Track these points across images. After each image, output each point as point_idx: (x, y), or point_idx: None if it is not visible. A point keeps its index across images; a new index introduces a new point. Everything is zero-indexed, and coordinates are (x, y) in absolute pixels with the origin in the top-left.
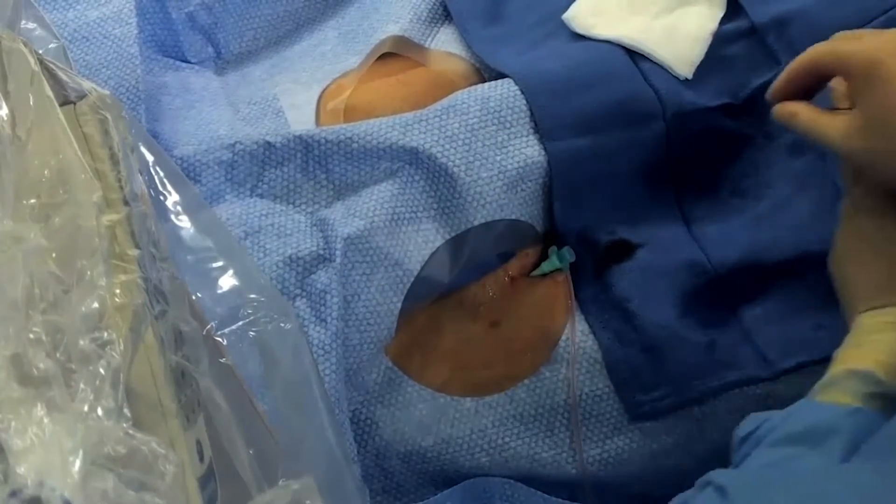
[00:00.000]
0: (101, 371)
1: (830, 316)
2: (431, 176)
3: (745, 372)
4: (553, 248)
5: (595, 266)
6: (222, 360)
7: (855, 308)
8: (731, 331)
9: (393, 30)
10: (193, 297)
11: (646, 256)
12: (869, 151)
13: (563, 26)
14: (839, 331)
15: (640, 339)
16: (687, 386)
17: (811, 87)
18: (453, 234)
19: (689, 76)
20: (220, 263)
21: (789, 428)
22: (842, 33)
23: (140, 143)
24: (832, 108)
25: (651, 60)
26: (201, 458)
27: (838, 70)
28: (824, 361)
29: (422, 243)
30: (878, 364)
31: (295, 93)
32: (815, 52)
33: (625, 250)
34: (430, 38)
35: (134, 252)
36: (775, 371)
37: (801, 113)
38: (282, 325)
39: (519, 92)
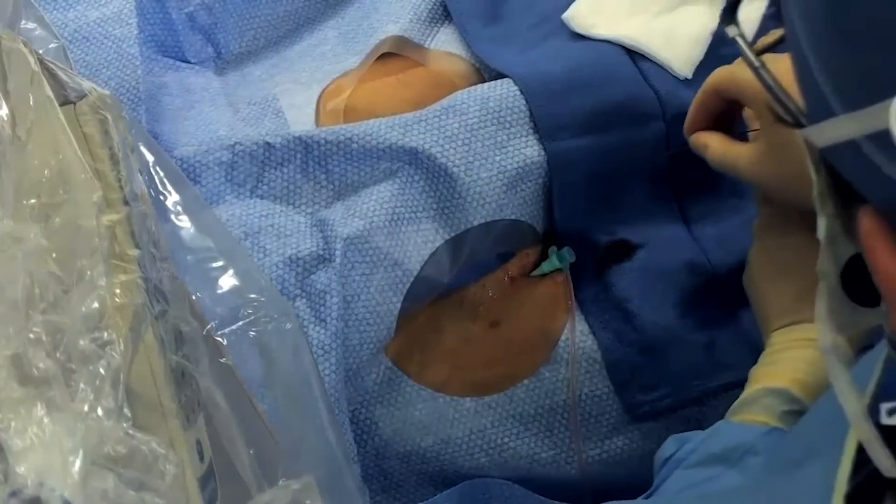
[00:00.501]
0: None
1: None
2: (431, 176)
3: (744, 372)
4: (553, 249)
5: (595, 266)
6: (222, 360)
7: (768, 326)
8: (731, 331)
9: (393, 30)
10: (193, 297)
11: (646, 257)
12: (773, 176)
13: (563, 26)
14: None
15: (639, 340)
16: (686, 386)
17: (725, 112)
18: (453, 235)
19: (689, 76)
20: (220, 263)
21: (707, 449)
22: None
23: (140, 144)
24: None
25: (651, 60)
26: (201, 458)
27: (738, 97)
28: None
29: (421, 243)
30: (794, 381)
31: (295, 93)
32: (717, 78)
33: (625, 250)
34: (429, 38)
35: (134, 252)
36: None
37: (711, 145)
38: (282, 325)
39: (518, 92)
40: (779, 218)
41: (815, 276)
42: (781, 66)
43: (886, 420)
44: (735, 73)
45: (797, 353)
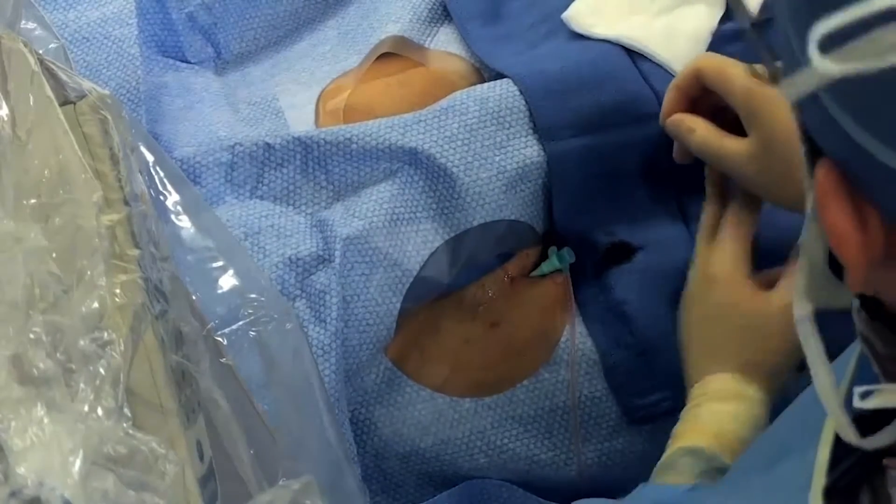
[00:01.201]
0: (101, 371)
1: (830, 320)
2: (430, 176)
3: None
4: (553, 249)
5: (594, 267)
6: (222, 360)
7: (691, 379)
8: None
9: (393, 30)
10: (193, 297)
11: (645, 259)
12: (760, 174)
13: (563, 26)
14: (838, 334)
15: (636, 343)
16: (684, 391)
17: (702, 99)
18: (452, 235)
19: None
20: (220, 263)
21: None
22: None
23: (140, 144)
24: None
25: (650, 60)
26: (201, 458)
27: (723, 91)
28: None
29: (421, 244)
30: (714, 437)
31: (295, 93)
32: (703, 64)
33: (624, 253)
34: (429, 38)
35: (134, 252)
36: None
37: (698, 130)
38: (282, 325)
39: (518, 92)
40: (717, 265)
41: (739, 327)
42: None
43: (859, 404)
44: (725, 67)
45: (714, 406)
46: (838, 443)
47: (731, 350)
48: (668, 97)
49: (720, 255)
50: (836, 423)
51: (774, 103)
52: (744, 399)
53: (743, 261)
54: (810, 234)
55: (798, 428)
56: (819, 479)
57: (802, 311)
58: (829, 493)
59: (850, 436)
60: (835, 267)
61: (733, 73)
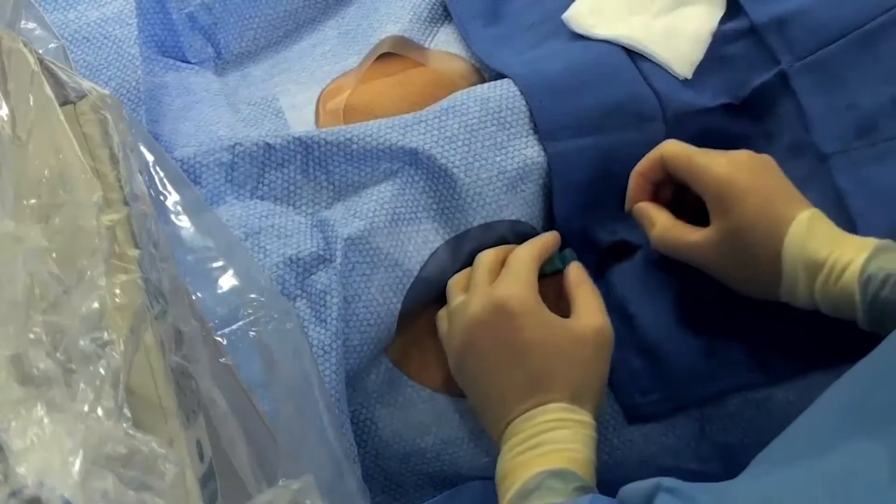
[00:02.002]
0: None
1: (830, 320)
2: (431, 177)
3: (743, 377)
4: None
5: (596, 265)
6: (222, 360)
7: (502, 416)
8: (731, 335)
9: (393, 30)
10: (193, 297)
11: (646, 257)
12: (726, 265)
13: (563, 26)
14: (838, 335)
15: (637, 342)
16: (685, 390)
17: (665, 181)
18: (453, 235)
19: (689, 76)
20: (220, 263)
21: None
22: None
23: (140, 144)
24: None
25: (651, 60)
26: (201, 458)
27: (691, 182)
28: (824, 367)
29: (421, 244)
30: (569, 461)
31: (295, 93)
32: (668, 152)
33: (625, 251)
34: (429, 38)
35: (134, 252)
36: (775, 376)
37: (658, 224)
38: (282, 325)
39: (518, 92)
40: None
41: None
42: None
43: None
44: (692, 157)
45: (558, 434)
46: None
47: (558, 380)
48: (632, 183)
49: (516, 287)
50: None
51: (746, 194)
52: (581, 423)
53: (535, 288)
54: None
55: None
56: None
57: None
58: None
59: None
60: None
61: (702, 164)
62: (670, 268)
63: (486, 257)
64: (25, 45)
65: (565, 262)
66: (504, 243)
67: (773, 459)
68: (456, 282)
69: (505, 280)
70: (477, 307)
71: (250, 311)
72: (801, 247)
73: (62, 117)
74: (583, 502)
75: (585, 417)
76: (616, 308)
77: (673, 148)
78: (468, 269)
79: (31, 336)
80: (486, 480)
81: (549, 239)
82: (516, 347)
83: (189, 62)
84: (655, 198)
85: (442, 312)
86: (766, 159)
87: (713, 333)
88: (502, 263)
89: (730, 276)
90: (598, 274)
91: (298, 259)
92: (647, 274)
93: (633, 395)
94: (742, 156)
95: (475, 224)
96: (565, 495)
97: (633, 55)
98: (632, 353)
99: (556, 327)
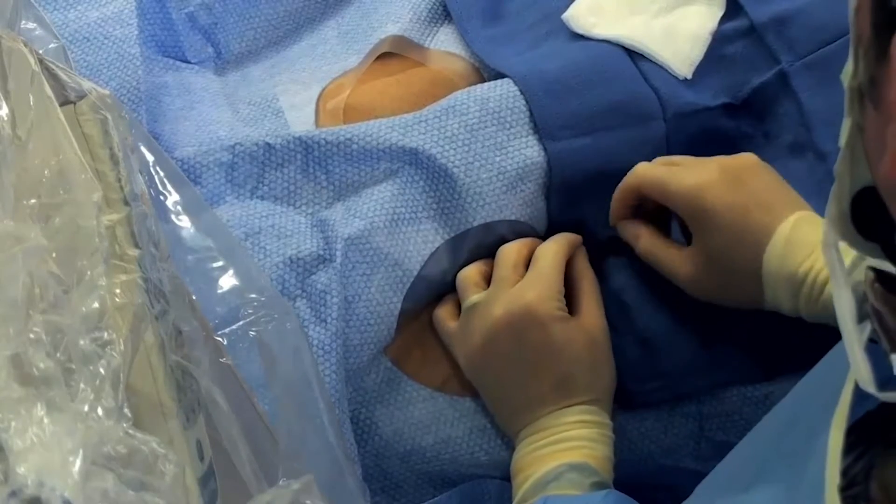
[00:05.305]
0: (101, 371)
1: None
2: (431, 176)
3: (740, 371)
4: None
5: (594, 257)
6: (222, 360)
7: (524, 415)
8: (728, 327)
9: (392, 29)
10: (193, 297)
11: None
12: (708, 285)
13: (563, 26)
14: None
15: (634, 331)
16: (680, 381)
17: (647, 200)
18: (453, 235)
19: (689, 76)
20: (220, 263)
21: None
22: (663, 158)
23: (140, 144)
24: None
25: (651, 60)
26: (201, 458)
27: (665, 202)
28: None
29: (421, 244)
30: (588, 458)
31: (295, 93)
32: (641, 180)
33: (623, 244)
34: (429, 38)
35: (134, 252)
36: (773, 372)
37: (643, 238)
38: (282, 325)
39: (518, 92)
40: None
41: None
42: None
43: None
44: (665, 182)
45: (580, 432)
46: (849, 432)
47: (581, 384)
48: (614, 206)
49: (546, 292)
50: (854, 364)
51: (718, 216)
52: (600, 424)
53: (562, 291)
54: (841, 163)
55: (796, 433)
56: (833, 478)
57: (830, 239)
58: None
59: (868, 382)
60: (856, 220)
61: (672, 189)
62: None
63: (510, 252)
64: (25, 45)
65: None
66: (504, 243)
67: (715, 485)
68: (469, 276)
69: (535, 283)
70: (502, 309)
71: (250, 311)
72: (779, 265)
73: (62, 117)
74: (598, 496)
75: (605, 419)
76: (613, 298)
77: (644, 172)
78: (479, 262)
79: (31, 336)
80: (485, 480)
81: (573, 238)
82: (544, 353)
83: (189, 62)
84: (641, 209)
85: (443, 309)
86: (742, 166)
87: (710, 325)
88: (526, 258)
89: (710, 293)
90: (597, 266)
91: (298, 259)
92: (644, 265)
93: (627, 381)
94: (713, 172)
95: (475, 224)
96: (583, 489)
97: (633, 55)
98: (628, 341)
99: (576, 331)
